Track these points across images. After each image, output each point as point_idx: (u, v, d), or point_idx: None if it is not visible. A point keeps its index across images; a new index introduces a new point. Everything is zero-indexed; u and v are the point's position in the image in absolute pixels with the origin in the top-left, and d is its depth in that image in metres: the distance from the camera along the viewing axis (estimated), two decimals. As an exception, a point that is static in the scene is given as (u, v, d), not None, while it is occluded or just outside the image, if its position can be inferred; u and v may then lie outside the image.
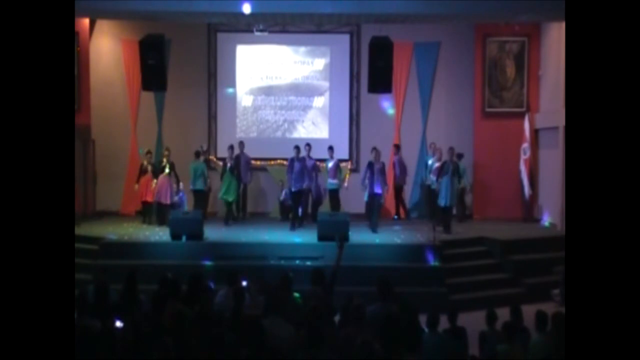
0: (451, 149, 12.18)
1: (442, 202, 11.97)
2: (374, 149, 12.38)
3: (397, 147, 13.95)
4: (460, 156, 12.80)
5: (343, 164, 14.31)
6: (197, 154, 13.06)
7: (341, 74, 14.75)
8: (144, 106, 14.62)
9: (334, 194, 13.20)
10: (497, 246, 11.28)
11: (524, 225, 13.25)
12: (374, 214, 12.01)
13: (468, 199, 14.14)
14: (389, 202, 13.99)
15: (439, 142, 13.40)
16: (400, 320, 4.95)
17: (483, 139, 14.23)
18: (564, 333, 4.26)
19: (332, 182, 13.15)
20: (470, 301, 9.59)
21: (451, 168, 11.96)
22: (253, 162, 13.98)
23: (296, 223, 12.26)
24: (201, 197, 13.02)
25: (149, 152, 13.25)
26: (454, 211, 12.74)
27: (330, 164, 13.21)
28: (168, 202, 12.59)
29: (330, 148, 13.37)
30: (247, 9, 10.80)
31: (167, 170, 12.62)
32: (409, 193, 14.60)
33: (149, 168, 12.90)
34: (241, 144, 13.39)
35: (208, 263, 10.27)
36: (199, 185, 12.90)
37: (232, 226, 12.54)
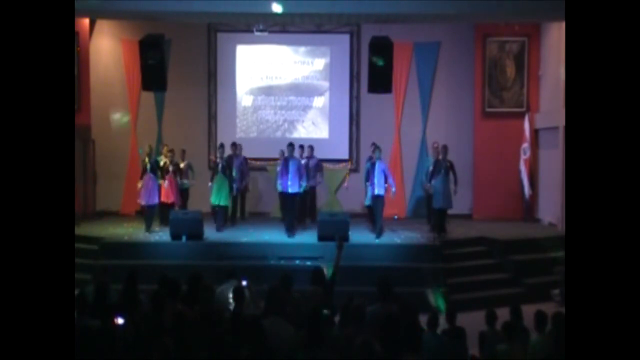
0: (444, 147, 11.68)
1: (437, 204, 11.50)
2: (377, 147, 11.70)
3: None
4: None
5: (337, 165, 14.33)
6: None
7: (341, 74, 14.75)
8: (144, 106, 14.64)
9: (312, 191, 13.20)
10: (497, 246, 11.28)
11: (524, 225, 13.25)
12: (378, 217, 11.42)
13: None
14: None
15: (439, 142, 13.07)
16: (400, 321, 4.95)
17: (483, 139, 14.23)
18: (564, 333, 4.26)
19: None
20: (470, 301, 9.58)
21: (445, 167, 11.43)
22: (253, 162, 13.98)
23: (294, 228, 11.55)
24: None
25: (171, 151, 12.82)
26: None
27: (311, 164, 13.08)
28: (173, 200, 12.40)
29: (310, 147, 13.18)
30: (277, 8, 10.75)
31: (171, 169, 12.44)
32: (409, 194, 14.60)
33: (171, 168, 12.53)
34: (234, 145, 12.85)
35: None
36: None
37: (225, 231, 11.89)
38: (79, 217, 12.37)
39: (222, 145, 12.51)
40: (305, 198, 12.70)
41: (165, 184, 12.27)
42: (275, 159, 13.79)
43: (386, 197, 11.60)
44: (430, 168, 11.96)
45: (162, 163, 12.50)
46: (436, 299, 9.81)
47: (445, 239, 11.28)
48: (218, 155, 12.33)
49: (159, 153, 13.09)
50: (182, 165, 12.92)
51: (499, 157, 14.06)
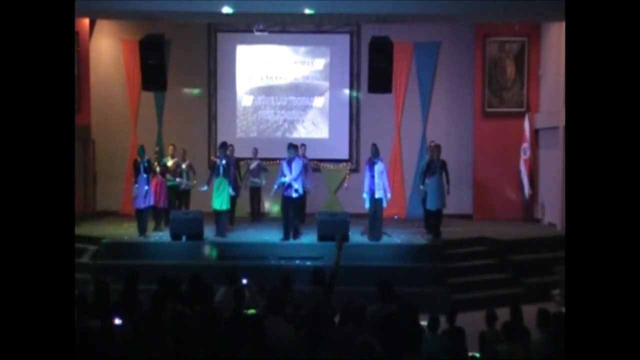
0: (437, 146, 11.49)
1: (430, 205, 11.28)
2: (376, 148, 11.33)
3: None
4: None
5: (337, 165, 14.28)
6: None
7: (341, 74, 14.75)
8: (144, 106, 14.63)
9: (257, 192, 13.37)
10: (497, 246, 11.28)
11: (524, 225, 13.25)
12: (375, 221, 11.01)
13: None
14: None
15: (434, 142, 12.46)
16: (400, 321, 4.95)
17: (483, 139, 14.23)
18: (564, 333, 4.26)
19: (255, 180, 13.25)
20: (470, 301, 9.59)
21: (439, 167, 11.22)
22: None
23: (291, 232, 11.20)
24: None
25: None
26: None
27: (254, 165, 13.20)
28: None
29: (255, 149, 13.28)
30: (226, 9, 10.79)
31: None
32: (409, 194, 14.60)
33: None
34: (224, 145, 11.93)
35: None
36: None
37: (228, 236, 11.45)
38: (79, 217, 12.35)
39: (222, 145, 12.05)
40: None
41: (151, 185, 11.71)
42: (275, 159, 13.80)
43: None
44: (424, 168, 11.69)
45: (169, 163, 12.39)
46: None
47: (448, 238, 11.21)
48: (218, 154, 11.77)
49: (163, 154, 12.83)
50: (184, 165, 12.65)
51: (499, 157, 14.05)
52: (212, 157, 13.78)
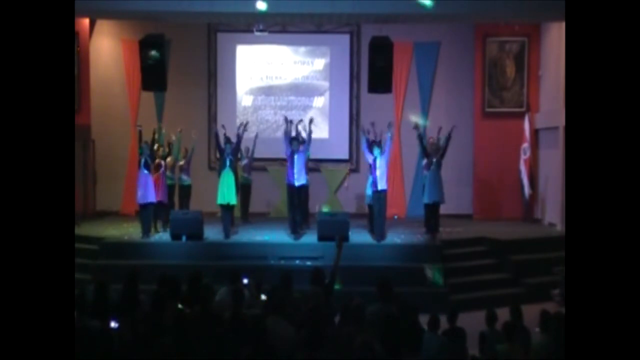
0: (434, 142, 11.57)
1: (428, 198, 11.26)
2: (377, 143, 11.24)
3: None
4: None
5: (337, 166, 14.27)
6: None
7: (341, 74, 14.76)
8: (144, 106, 14.62)
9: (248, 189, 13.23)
10: (497, 246, 11.27)
11: (524, 225, 13.26)
12: (379, 217, 10.95)
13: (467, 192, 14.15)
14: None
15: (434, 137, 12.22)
16: (400, 321, 4.95)
17: (483, 139, 14.23)
18: (564, 333, 4.26)
19: (246, 177, 13.09)
20: (470, 301, 9.58)
21: (435, 160, 11.22)
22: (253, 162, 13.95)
23: (298, 227, 11.32)
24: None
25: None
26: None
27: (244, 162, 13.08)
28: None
29: (247, 147, 13.11)
30: (261, 5, 10.60)
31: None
32: (409, 194, 14.59)
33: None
34: (228, 139, 11.92)
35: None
36: None
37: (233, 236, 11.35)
38: (79, 217, 12.35)
39: (227, 140, 11.85)
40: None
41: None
42: (275, 159, 13.80)
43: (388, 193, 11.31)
44: (425, 161, 11.71)
45: (168, 159, 12.14)
46: (434, 275, 9.84)
47: (440, 238, 11.18)
48: (224, 146, 11.43)
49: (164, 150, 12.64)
50: (182, 162, 12.54)
51: (499, 157, 14.05)
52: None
